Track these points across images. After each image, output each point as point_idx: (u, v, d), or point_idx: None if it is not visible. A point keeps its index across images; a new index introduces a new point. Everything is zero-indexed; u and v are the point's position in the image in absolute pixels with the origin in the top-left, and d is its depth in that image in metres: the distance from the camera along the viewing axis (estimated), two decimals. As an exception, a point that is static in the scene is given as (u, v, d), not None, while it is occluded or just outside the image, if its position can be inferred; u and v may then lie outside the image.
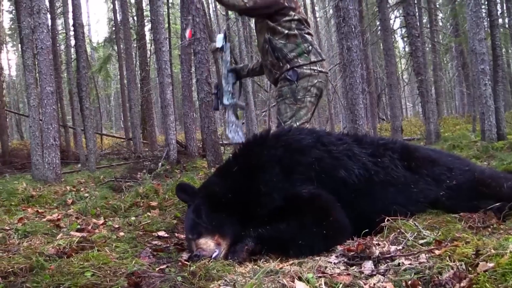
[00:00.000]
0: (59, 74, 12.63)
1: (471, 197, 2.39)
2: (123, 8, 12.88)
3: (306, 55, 3.43)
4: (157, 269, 2.02)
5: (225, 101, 3.71)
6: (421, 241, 1.94)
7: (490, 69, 7.60)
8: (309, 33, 3.52)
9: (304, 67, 3.41)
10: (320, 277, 1.70)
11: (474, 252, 1.58)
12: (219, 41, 3.78)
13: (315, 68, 3.44)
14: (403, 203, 2.38)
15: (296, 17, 3.43)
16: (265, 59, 3.55)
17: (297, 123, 3.36)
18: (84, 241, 2.42)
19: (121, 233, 2.71)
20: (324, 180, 2.38)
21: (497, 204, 2.25)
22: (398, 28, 15.97)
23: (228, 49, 3.81)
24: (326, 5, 20.40)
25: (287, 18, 3.40)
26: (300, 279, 1.68)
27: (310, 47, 3.46)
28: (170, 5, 17.25)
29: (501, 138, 7.31)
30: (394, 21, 15.69)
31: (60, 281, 1.77)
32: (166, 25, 13.74)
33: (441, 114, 18.64)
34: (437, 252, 1.74)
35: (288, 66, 3.42)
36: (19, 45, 14.58)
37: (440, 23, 17.94)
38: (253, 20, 3.57)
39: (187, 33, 3.49)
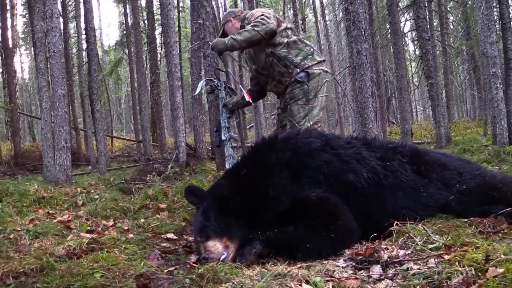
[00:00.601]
0: (70, 77, 12.78)
1: (481, 201, 2.37)
2: (134, 12, 12.98)
3: (311, 56, 3.53)
4: (165, 271, 2.03)
5: (222, 137, 3.92)
6: (430, 246, 1.92)
7: (501, 73, 7.51)
8: (304, 38, 3.70)
9: (314, 68, 3.50)
10: (327, 280, 1.70)
11: (484, 258, 1.57)
12: (198, 87, 4.17)
13: (322, 67, 3.55)
14: (412, 207, 2.37)
15: (288, 25, 3.58)
16: (271, 72, 3.62)
17: (311, 122, 3.43)
18: (93, 242, 2.44)
19: (130, 235, 2.73)
20: (333, 183, 2.38)
21: (508, 209, 2.23)
22: (408, 31, 15.91)
23: (222, 86, 4.05)
24: (336, 8, 20.38)
25: (281, 28, 3.52)
26: (307, 282, 1.68)
27: (312, 49, 3.58)
28: (180, 9, 17.36)
29: (513, 142, 7.22)
30: (405, 24, 15.67)
31: (70, 282, 1.79)
32: (177, 29, 13.85)
33: (452, 117, 18.48)
34: (446, 257, 1.72)
35: (298, 70, 3.50)
36: (32, 48, 14.79)
37: (451, 26, 17.80)
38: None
39: (246, 96, 3.74)
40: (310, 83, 3.47)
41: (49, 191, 4.59)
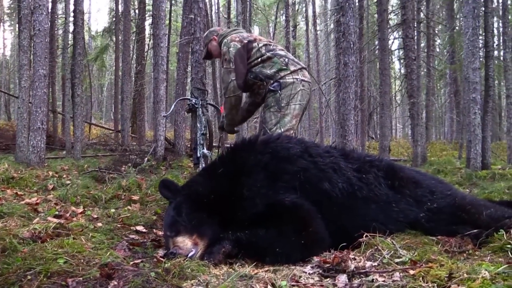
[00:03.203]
0: (54, 59, 12.51)
1: (450, 221, 2.41)
2: (126, 0, 12.83)
3: (285, 67, 3.66)
4: (131, 263, 2.00)
5: (198, 154, 4.14)
6: (397, 260, 1.95)
7: (481, 99, 7.71)
8: (281, 49, 3.81)
9: (287, 77, 3.62)
10: (293, 285, 1.71)
11: (447, 275, 1.60)
12: (172, 107, 4.53)
13: (297, 77, 3.64)
14: (383, 221, 2.40)
15: (261, 44, 3.71)
16: (254, 89, 3.80)
17: (282, 129, 3.51)
18: (60, 227, 2.39)
19: (99, 224, 2.68)
20: (308, 190, 2.39)
21: (475, 230, 2.28)
22: (395, 50, 16.15)
23: (199, 104, 4.37)
24: (328, 19, 20.57)
25: (254, 50, 3.69)
26: (273, 286, 1.68)
27: (286, 59, 3.69)
28: (173, 2, 17.25)
29: (485, 167, 7.41)
30: (393, 42, 15.87)
31: (31, 265, 1.74)
32: (167, 22, 13.74)
33: (430, 138, 18.85)
34: (411, 272, 1.75)
35: (272, 81, 3.64)
36: (17, 25, 14.43)
37: (437, 49, 18.18)
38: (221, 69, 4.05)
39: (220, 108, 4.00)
40: (283, 92, 3.59)
41: (19, 172, 4.48)
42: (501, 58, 12.03)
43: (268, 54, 3.68)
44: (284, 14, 18.30)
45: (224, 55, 3.67)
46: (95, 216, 2.92)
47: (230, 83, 3.58)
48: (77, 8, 8.82)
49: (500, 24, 14.84)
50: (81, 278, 1.68)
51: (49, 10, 6.91)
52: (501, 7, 12.33)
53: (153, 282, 1.67)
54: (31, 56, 6.22)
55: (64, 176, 4.84)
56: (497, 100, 18.40)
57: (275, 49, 3.76)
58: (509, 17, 11.19)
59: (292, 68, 3.66)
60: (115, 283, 1.65)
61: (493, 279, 1.53)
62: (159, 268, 1.81)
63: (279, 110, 3.56)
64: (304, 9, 21.11)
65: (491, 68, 8.43)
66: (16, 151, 5.73)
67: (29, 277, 1.66)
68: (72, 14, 9.94)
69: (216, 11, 22.41)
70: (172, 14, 17.07)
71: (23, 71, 5.82)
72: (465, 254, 2.10)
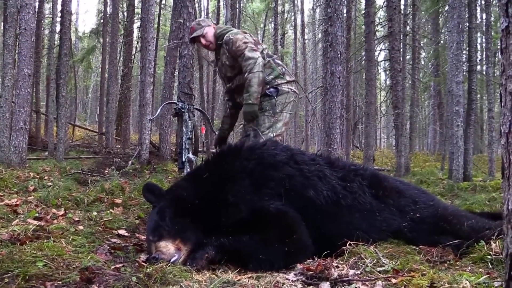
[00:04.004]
0: (39, 58, 12.33)
1: (432, 231, 2.44)
2: (114, 2, 12.75)
3: (282, 76, 3.74)
4: (112, 267, 1.97)
5: (183, 158, 4.14)
6: (379, 268, 1.96)
7: (464, 112, 7.85)
8: (277, 57, 3.90)
9: (283, 85, 3.71)
10: (276, 293, 1.70)
11: (429, 284, 1.61)
12: (158, 111, 4.48)
13: (291, 87, 3.76)
14: (367, 230, 2.42)
15: (264, 47, 3.78)
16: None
17: (274, 134, 3.58)
18: (40, 230, 2.34)
19: (80, 227, 2.64)
20: (293, 197, 2.40)
21: (456, 241, 2.31)
22: (382, 61, 16.38)
23: (186, 109, 4.34)
24: (316, 29, 20.77)
25: (259, 51, 3.68)
26: (256, 292, 1.67)
27: (283, 69, 3.80)
28: (162, 5, 17.22)
29: (466, 179, 7.53)
30: (379, 53, 16.12)
31: (9, 267, 1.70)
32: (156, 25, 13.69)
33: (413, 149, 19.10)
34: (393, 280, 1.76)
35: (268, 86, 3.68)
36: (2, 23, 14.20)
37: (422, 62, 18.48)
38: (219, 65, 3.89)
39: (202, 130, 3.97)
40: (278, 98, 3.66)
41: (-1, 172, 4.39)
42: (484, 72, 12.29)
43: (268, 59, 3.74)
44: (273, 22, 18.43)
45: (237, 40, 3.59)
46: (77, 219, 2.87)
47: (258, 59, 3.50)
48: (65, 8, 8.72)
49: (484, 40, 15.19)
50: (60, 282, 1.64)
51: (36, 10, 6.83)
52: (484, 23, 12.60)
53: (134, 287, 1.64)
54: (16, 55, 6.13)
55: (46, 177, 4.76)
56: (479, 114, 18.75)
57: (273, 56, 3.85)
58: (492, 33, 11.44)
59: (287, 78, 3.76)
60: (96, 287, 1.62)
61: (474, 289, 1.55)
62: (140, 273, 1.78)
63: (273, 115, 3.63)
64: (293, 18, 21.29)
65: (474, 82, 8.60)
66: (-3, 151, 5.61)
67: (6, 280, 1.62)
68: (59, 15, 9.84)
69: (206, 16, 22.44)
70: (160, 18, 17.02)
71: (7, 70, 5.72)
72: (446, 264, 2.13)
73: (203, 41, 3.82)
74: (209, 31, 3.81)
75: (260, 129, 3.59)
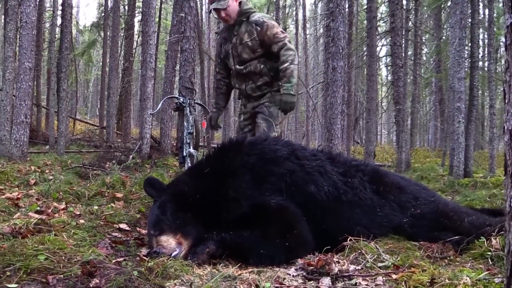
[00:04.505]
0: (40, 52, 12.29)
1: (432, 227, 2.44)
2: (116, -5, 12.71)
3: None
4: (113, 261, 1.98)
5: (184, 153, 4.15)
6: (380, 264, 1.97)
7: (465, 108, 7.84)
8: None
9: None
10: (277, 287, 1.71)
11: (429, 280, 1.62)
12: (159, 105, 4.47)
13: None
14: (367, 225, 2.42)
15: None
16: (256, 77, 3.62)
17: (280, 130, 3.61)
18: (42, 223, 2.35)
19: (82, 221, 2.65)
20: (294, 193, 2.40)
21: (456, 237, 2.31)
22: (383, 56, 16.32)
23: (187, 103, 4.32)
24: (318, 24, 20.71)
25: None
26: (257, 287, 1.68)
27: None
28: (163, -1, 17.15)
29: (467, 175, 7.53)
30: (381, 48, 16.07)
31: (11, 261, 1.71)
32: (157, 19, 13.63)
33: (414, 145, 19.08)
34: (394, 276, 1.77)
35: (277, 82, 3.55)
36: (3, 16, 14.17)
37: (424, 57, 18.43)
38: (233, 47, 3.65)
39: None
40: None
41: (0, 166, 4.40)
42: (486, 69, 12.25)
43: None
44: (274, 17, 18.35)
45: (274, 27, 3.49)
46: (78, 212, 2.88)
47: (295, 51, 3.46)
48: (66, 1, 8.69)
49: (486, 36, 15.12)
50: (62, 275, 1.65)
51: (37, 2, 6.81)
52: (487, 19, 12.55)
53: (135, 281, 1.65)
54: (17, 49, 6.12)
55: (47, 171, 4.77)
56: (480, 110, 18.74)
57: None
58: (495, 29, 11.41)
59: None
60: (97, 281, 1.63)
61: (475, 285, 1.55)
62: (142, 267, 1.79)
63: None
64: (294, 12, 21.20)
65: (475, 78, 8.59)
66: (-2, 144, 5.62)
67: (8, 273, 1.63)
68: (60, 8, 9.82)
69: (207, 10, 22.36)
70: (162, 12, 16.97)
71: (8, 63, 5.72)
72: (446, 260, 2.13)
73: (223, 13, 3.54)
74: (232, 5, 3.54)
75: (274, 121, 3.54)
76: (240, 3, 3.63)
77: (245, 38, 3.56)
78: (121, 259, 2.05)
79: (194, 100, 4.70)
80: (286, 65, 3.40)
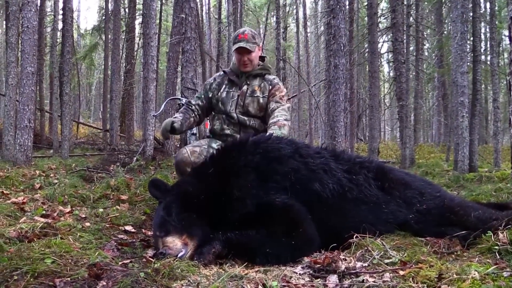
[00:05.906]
0: (42, 56, 12.36)
1: (439, 223, 2.43)
2: (116, -2, 12.72)
3: None
4: (120, 263, 1.98)
5: None
6: (386, 261, 1.96)
7: (469, 102, 7.81)
8: None
9: None
10: (284, 286, 1.71)
11: (437, 276, 1.61)
12: (161, 107, 4.23)
13: None
14: (373, 222, 2.41)
15: None
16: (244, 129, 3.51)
17: None
18: (47, 227, 2.35)
19: (87, 224, 2.65)
20: (298, 191, 2.39)
21: (463, 232, 2.30)
22: (385, 53, 16.26)
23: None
24: (318, 21, 20.67)
25: None
26: (264, 286, 1.68)
27: None
28: (163, 1, 17.18)
29: (472, 170, 7.50)
30: (382, 45, 15.97)
31: (18, 265, 1.71)
32: (158, 21, 13.66)
33: (418, 140, 19.03)
34: (401, 272, 1.76)
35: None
36: (4, 21, 14.23)
37: (426, 53, 18.36)
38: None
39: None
40: None
41: (5, 171, 4.41)
42: (488, 62, 12.19)
43: None
44: (275, 16, 18.33)
45: (283, 92, 3.51)
46: (83, 215, 2.89)
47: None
48: (67, 5, 8.73)
49: (488, 30, 15.05)
50: (69, 278, 1.65)
51: (38, 7, 6.83)
52: (488, 13, 12.50)
53: (142, 282, 1.65)
54: (19, 53, 6.14)
55: (52, 175, 4.78)
56: (484, 104, 18.63)
57: None
58: (497, 22, 11.36)
59: None
60: (104, 283, 1.63)
61: (483, 279, 1.54)
62: (148, 268, 1.79)
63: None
64: (295, 11, 21.18)
65: (478, 72, 8.55)
66: (3, 149, 5.65)
67: (15, 277, 1.63)
68: (61, 12, 9.85)
69: (207, 11, 22.37)
70: (162, 14, 16.99)
71: (10, 68, 5.74)
72: (453, 255, 2.12)
73: (246, 56, 3.43)
74: (257, 53, 3.50)
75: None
76: (263, 58, 3.61)
77: (257, 92, 3.49)
78: (128, 261, 2.05)
79: None
80: (279, 118, 3.25)
